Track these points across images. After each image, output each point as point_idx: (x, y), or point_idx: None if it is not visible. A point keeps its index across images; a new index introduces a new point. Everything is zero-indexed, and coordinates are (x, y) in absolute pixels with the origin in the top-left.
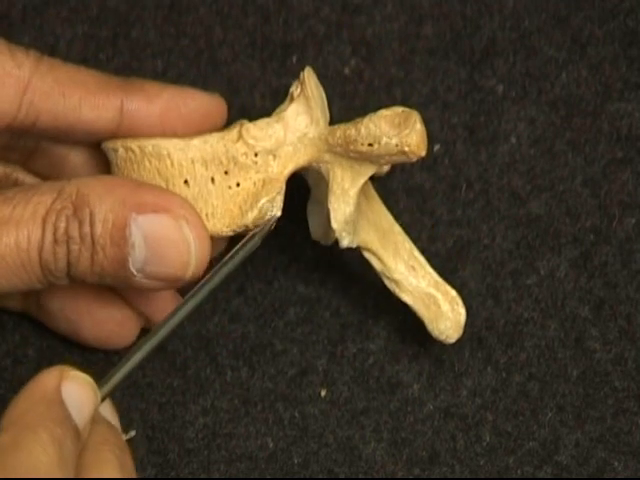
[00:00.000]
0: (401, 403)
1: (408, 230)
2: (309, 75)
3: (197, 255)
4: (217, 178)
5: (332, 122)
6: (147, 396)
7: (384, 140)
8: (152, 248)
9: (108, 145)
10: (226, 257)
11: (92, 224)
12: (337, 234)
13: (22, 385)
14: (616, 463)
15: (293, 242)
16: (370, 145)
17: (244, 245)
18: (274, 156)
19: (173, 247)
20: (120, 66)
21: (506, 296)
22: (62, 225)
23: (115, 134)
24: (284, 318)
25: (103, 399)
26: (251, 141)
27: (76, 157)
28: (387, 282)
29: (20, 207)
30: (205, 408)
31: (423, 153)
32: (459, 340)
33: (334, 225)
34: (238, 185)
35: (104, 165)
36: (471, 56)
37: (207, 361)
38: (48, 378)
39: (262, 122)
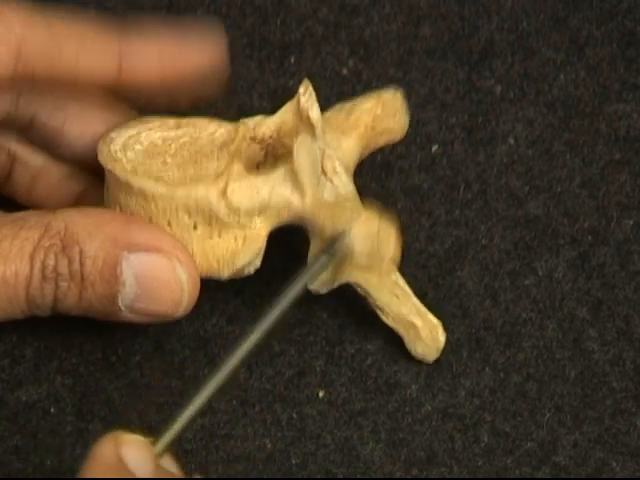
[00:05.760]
0: (399, 404)
1: (406, 230)
2: (301, 144)
3: (189, 294)
4: (199, 227)
5: None
6: (145, 397)
7: (355, 255)
8: (144, 287)
9: (101, 160)
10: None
11: (82, 262)
12: (313, 292)
13: (20, 385)
14: (614, 464)
15: (291, 243)
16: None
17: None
18: (257, 215)
19: (165, 287)
20: None
21: (504, 296)
22: (51, 263)
23: (118, 80)
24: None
25: (161, 453)
26: (235, 205)
27: (71, 131)
28: (371, 306)
29: (7, 242)
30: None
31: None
32: (457, 340)
33: (310, 286)
34: (219, 236)
35: (97, 140)
36: (469, 57)
37: (205, 362)
38: (106, 449)
39: (248, 184)
